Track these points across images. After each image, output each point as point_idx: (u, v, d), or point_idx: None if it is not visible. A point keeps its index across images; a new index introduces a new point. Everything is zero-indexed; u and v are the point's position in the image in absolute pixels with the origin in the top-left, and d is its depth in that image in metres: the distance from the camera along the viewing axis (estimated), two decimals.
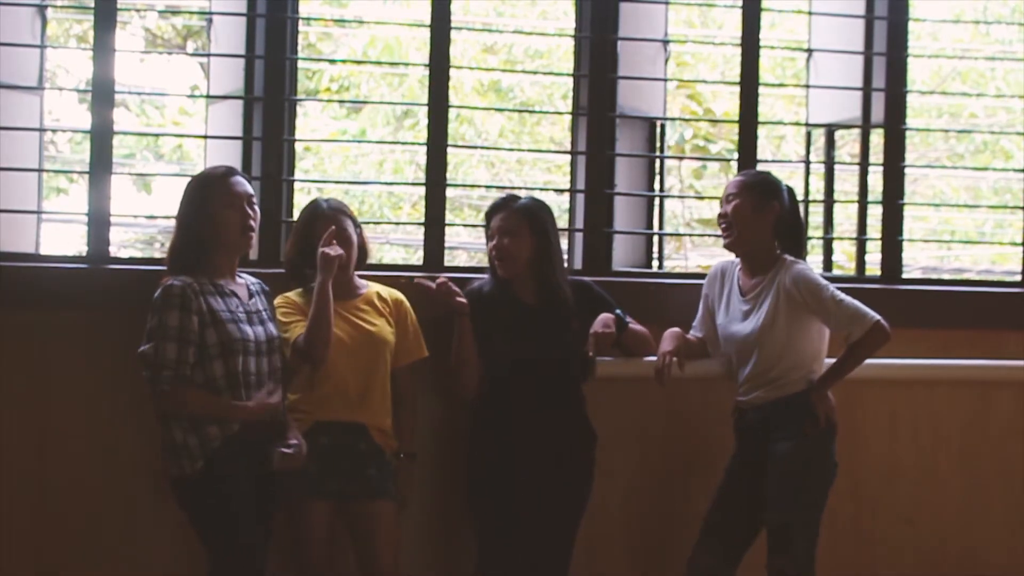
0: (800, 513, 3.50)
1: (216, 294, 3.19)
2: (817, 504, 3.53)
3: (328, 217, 3.51)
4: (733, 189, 3.64)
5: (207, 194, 3.22)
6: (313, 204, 3.59)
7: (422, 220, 4.11)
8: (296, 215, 3.74)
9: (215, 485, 3.11)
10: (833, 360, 3.58)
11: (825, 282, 3.56)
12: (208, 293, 3.17)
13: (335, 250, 3.39)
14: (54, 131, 8.78)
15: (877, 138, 4.42)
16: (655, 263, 4.46)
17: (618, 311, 3.68)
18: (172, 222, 3.35)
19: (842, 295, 3.51)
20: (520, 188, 9.44)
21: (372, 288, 3.63)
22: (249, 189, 3.29)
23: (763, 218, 3.59)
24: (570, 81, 4.65)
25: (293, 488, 3.37)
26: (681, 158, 8.49)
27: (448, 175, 4.13)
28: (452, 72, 4.13)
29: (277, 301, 3.50)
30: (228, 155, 4.02)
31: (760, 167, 4.22)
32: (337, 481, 3.46)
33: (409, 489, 3.62)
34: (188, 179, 3.32)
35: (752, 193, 3.59)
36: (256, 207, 3.30)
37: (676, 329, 3.72)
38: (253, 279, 3.39)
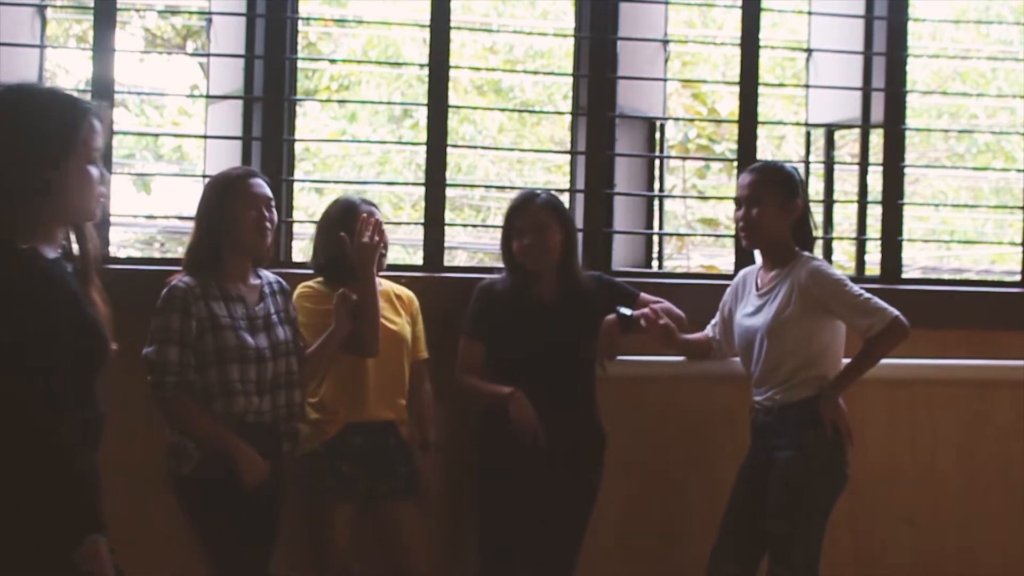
0: (800, 524, 3.43)
1: (220, 299, 3.15)
2: (820, 516, 3.46)
3: (363, 212, 3.48)
4: (751, 191, 3.54)
5: (226, 193, 3.20)
6: (346, 200, 3.55)
7: (422, 220, 4.11)
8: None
9: (210, 485, 3.10)
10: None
11: (843, 277, 3.51)
12: (212, 297, 3.14)
13: (372, 238, 3.36)
14: None
15: (877, 138, 4.43)
16: (655, 263, 4.46)
17: (620, 308, 3.63)
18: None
19: (860, 290, 3.46)
20: (520, 188, 9.41)
21: (386, 285, 3.61)
22: (268, 192, 3.27)
23: (785, 218, 3.54)
24: (570, 81, 4.64)
25: (320, 489, 3.39)
26: (680, 158, 8.47)
27: (449, 175, 4.13)
28: (451, 72, 4.13)
29: (301, 291, 3.48)
30: (228, 155, 4.03)
31: None
32: (368, 482, 3.47)
33: (432, 480, 3.65)
34: (207, 180, 3.30)
35: (775, 195, 3.53)
36: (274, 210, 3.28)
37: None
38: (273, 277, 3.35)
